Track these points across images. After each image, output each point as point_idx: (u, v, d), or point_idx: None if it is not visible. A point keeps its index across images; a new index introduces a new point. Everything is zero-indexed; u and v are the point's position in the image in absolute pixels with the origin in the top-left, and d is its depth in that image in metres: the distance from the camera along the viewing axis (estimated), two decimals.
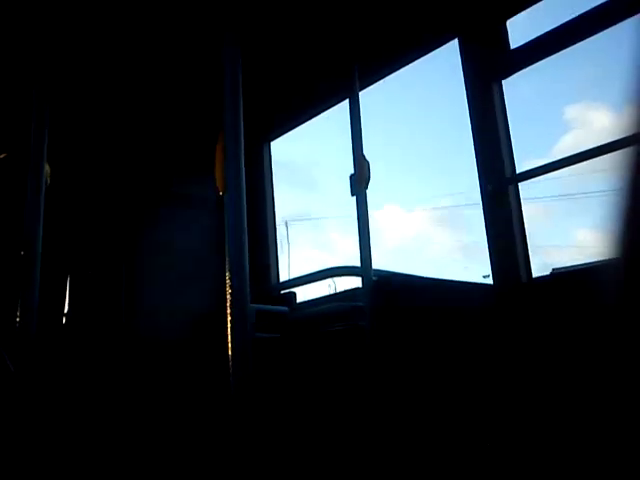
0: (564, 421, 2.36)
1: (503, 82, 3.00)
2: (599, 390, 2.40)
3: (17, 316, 2.25)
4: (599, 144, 2.53)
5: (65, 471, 2.81)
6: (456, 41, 3.18)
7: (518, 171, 2.93)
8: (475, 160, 3.02)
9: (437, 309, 2.53)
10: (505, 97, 2.99)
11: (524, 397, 2.49)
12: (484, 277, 3.00)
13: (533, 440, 2.40)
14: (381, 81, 3.57)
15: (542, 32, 2.86)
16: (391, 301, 2.45)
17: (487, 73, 3.03)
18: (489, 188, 2.93)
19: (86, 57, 3.25)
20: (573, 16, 2.74)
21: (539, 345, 2.55)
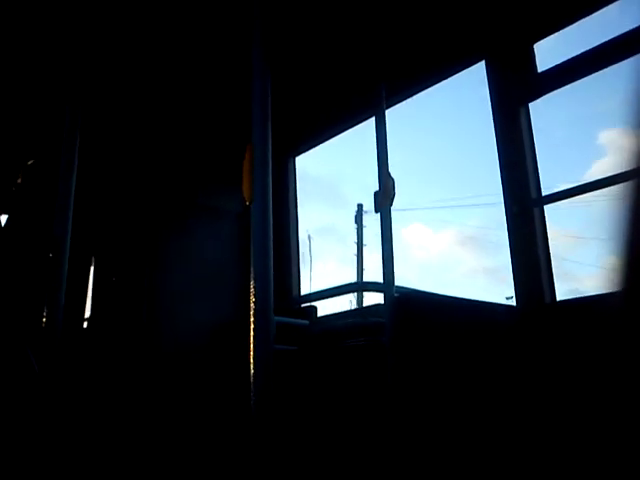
0: (586, 441, 2.33)
1: (531, 105, 3.01)
2: (619, 411, 2.36)
3: (43, 317, 2.27)
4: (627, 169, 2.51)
5: (80, 469, 2.83)
6: (483, 63, 3.20)
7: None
8: (500, 181, 3.03)
9: (458, 328, 2.51)
10: (532, 120, 3.00)
11: (542, 417, 2.46)
12: (507, 299, 2.98)
13: (556, 459, 2.37)
14: (410, 99, 3.60)
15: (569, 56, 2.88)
16: (412, 318, 2.44)
17: (514, 95, 3.04)
18: (514, 209, 2.93)
19: (118, 69, 3.31)
20: (601, 41, 2.76)
21: (561, 367, 2.53)
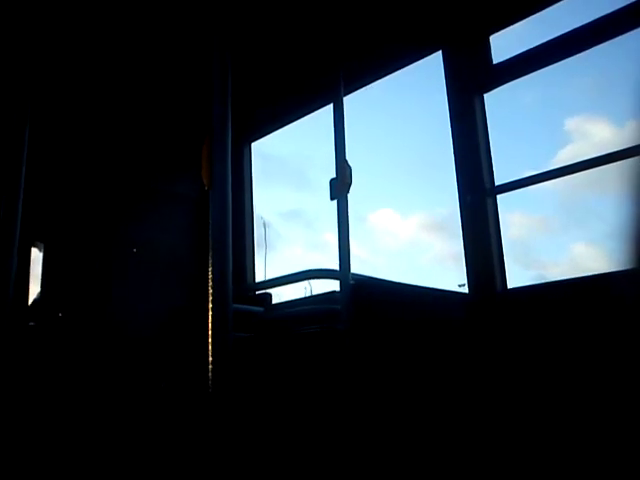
0: (536, 427, 2.40)
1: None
2: (569, 396, 2.48)
3: None
4: (581, 159, 2.61)
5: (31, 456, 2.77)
6: (440, 53, 3.23)
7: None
8: (455, 171, 3.07)
9: (413, 315, 2.55)
10: (487, 109, 3.05)
11: (492, 397, 2.53)
12: (459, 286, 3.04)
13: (507, 445, 2.44)
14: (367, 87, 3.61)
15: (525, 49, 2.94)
16: (368, 305, 2.46)
17: (469, 86, 3.08)
18: (467, 199, 2.98)
19: (75, 51, 3.21)
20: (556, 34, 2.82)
21: (510, 352, 2.61)
